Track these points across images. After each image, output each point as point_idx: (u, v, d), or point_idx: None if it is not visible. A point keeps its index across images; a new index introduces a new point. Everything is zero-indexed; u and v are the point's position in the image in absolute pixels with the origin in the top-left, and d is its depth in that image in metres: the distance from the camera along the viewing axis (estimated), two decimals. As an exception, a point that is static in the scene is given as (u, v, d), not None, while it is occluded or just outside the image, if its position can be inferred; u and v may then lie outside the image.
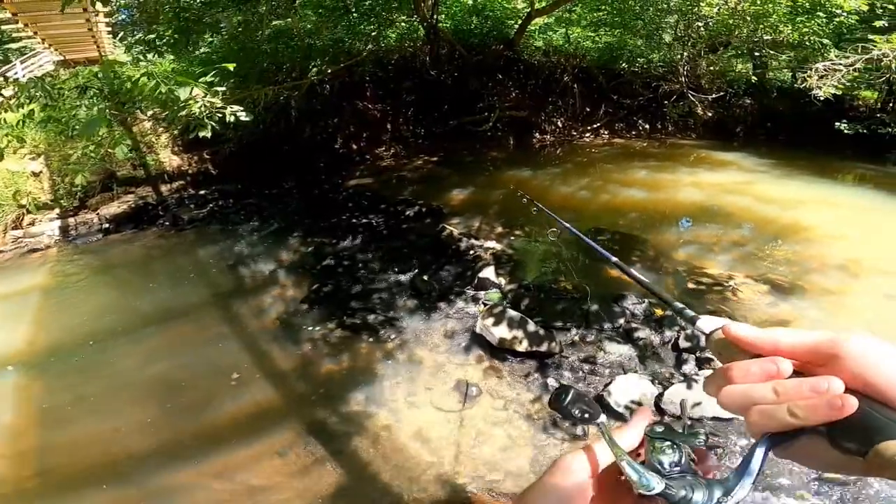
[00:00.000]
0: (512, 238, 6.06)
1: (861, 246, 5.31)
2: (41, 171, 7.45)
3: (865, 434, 0.34)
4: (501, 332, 4.02)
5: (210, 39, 8.38)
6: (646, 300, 4.46)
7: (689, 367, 3.69)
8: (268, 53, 8.07)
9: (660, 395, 3.42)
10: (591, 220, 6.36)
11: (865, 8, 6.69)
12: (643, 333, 4.04)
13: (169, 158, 8.31)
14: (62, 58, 8.43)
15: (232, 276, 5.70)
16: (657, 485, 0.42)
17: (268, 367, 4.14)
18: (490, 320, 4.13)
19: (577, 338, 4.07)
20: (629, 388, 3.46)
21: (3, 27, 7.04)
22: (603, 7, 9.98)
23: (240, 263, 5.94)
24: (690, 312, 0.52)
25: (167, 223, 7.24)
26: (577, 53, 10.49)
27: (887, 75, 6.41)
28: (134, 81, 4.69)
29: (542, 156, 9.64)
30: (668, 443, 0.47)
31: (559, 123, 10.66)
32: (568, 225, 1.11)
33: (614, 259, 0.70)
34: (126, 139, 6.29)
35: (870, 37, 6.33)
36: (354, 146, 9.57)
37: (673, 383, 3.52)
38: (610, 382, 3.55)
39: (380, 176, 8.67)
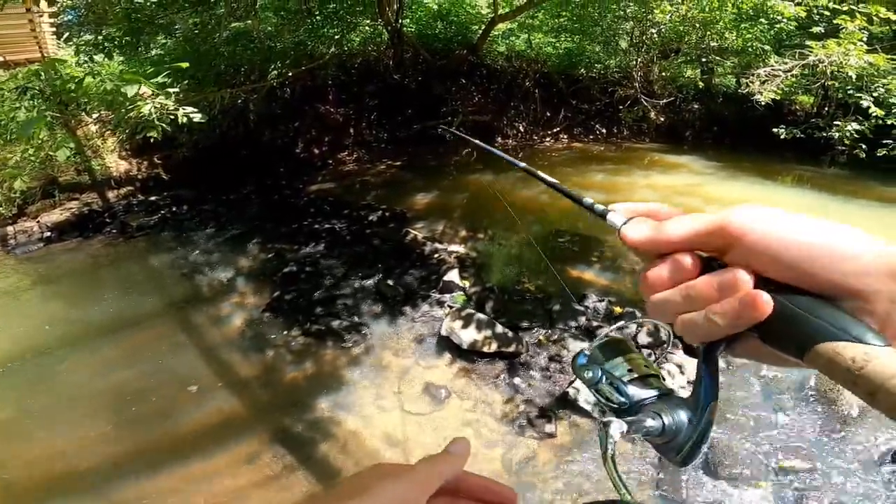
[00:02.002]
0: (475, 241, 6.16)
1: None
2: (-27, 178, 6.97)
3: (797, 339, 0.32)
4: (468, 334, 4.10)
5: (163, 41, 8.10)
6: (605, 299, 4.65)
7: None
8: (225, 56, 7.87)
9: None
10: (552, 222, 6.56)
11: (804, 14, 7.22)
12: (604, 331, 4.20)
13: (116, 163, 7.94)
14: (1, 58, 7.94)
15: (187, 285, 5.51)
16: (620, 428, 0.42)
17: (229, 376, 4.05)
18: (456, 323, 4.20)
19: (542, 337, 4.20)
20: None
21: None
22: (564, 14, 10.34)
23: (195, 271, 5.76)
24: (600, 207, 0.49)
25: (115, 231, 6.90)
26: (539, 59, 10.79)
27: (822, 80, 6.91)
28: (78, 81, 4.51)
29: (504, 160, 9.82)
30: (602, 381, 0.46)
31: (521, 128, 10.91)
32: (479, 143, 1.14)
33: (522, 165, 0.70)
34: (69, 142, 5.98)
35: (807, 43, 6.79)
36: (316, 151, 9.44)
37: (632, 378, 3.72)
38: (574, 380, 3.67)
39: (342, 181, 8.60)
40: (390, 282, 5.01)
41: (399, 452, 3.29)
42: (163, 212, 7.33)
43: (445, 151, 9.66)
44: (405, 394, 3.76)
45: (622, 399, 0.45)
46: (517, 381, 3.80)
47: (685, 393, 0.44)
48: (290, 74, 8.16)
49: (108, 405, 3.75)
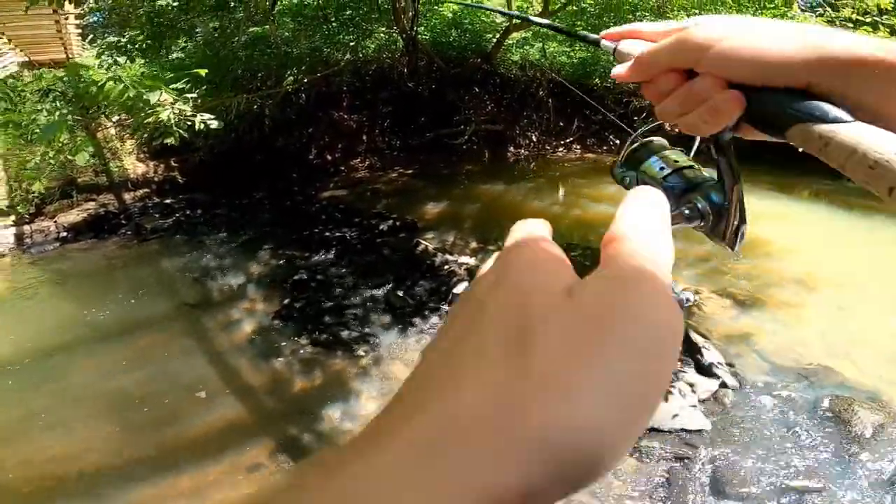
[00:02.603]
0: (486, 253, 6.15)
1: (816, 260, 5.63)
2: (-3, 177, 7.12)
3: (775, 125, 0.37)
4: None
5: (183, 45, 8.25)
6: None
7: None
8: (243, 60, 7.99)
9: None
10: (564, 235, 6.52)
11: (825, 23, 7.16)
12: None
13: (133, 165, 8.08)
14: (27, 59, 8.09)
15: (198, 289, 5.57)
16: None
17: (237, 382, 4.06)
18: None
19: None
20: None
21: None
22: (579, 23, 10.35)
23: (207, 276, 5.82)
24: (593, 35, 0.52)
25: (129, 232, 7.01)
26: (553, 68, 10.80)
27: None
28: (100, 86, 4.59)
29: (516, 170, 9.83)
30: (639, 183, 0.50)
31: (533, 138, 10.89)
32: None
33: (514, 13, 0.75)
34: (88, 145, 6.10)
35: None
36: (329, 157, 9.52)
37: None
38: None
39: (354, 188, 8.66)
40: (400, 292, 5.02)
41: None
42: (177, 215, 7.43)
43: (458, 160, 9.69)
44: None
45: None
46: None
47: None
48: (305, 80, 8.25)
49: (115, 408, 3.78)
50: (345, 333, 4.50)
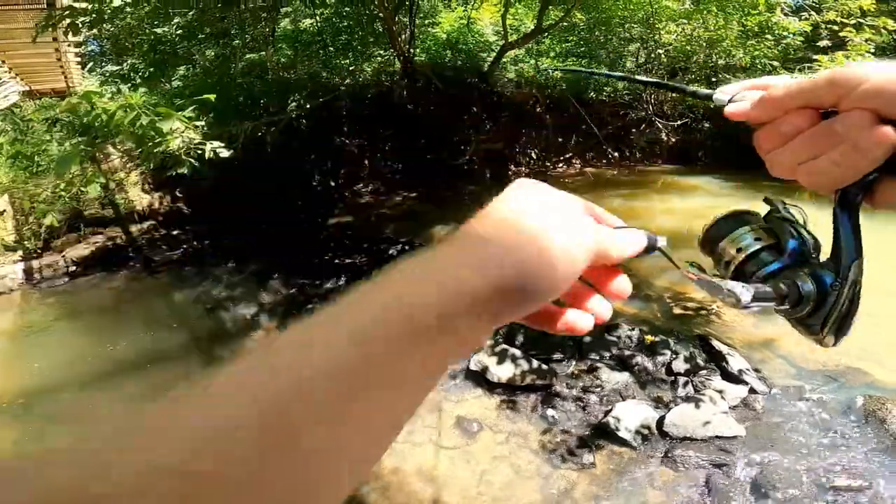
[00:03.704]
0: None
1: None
2: (4, 210, 7.14)
3: None
4: (496, 367, 4.12)
5: (183, 73, 8.38)
6: (636, 328, 4.62)
7: (685, 390, 3.88)
8: (243, 88, 8.12)
9: (661, 419, 3.57)
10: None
11: (809, 29, 7.33)
12: (637, 360, 4.21)
13: (139, 197, 8.14)
14: (27, 88, 8.12)
15: (211, 321, 5.59)
16: (744, 295, 0.38)
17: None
18: (484, 356, 4.24)
19: (573, 369, 4.21)
20: (629, 415, 3.61)
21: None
22: (571, 38, 10.60)
23: (219, 307, 5.83)
24: (704, 91, 0.47)
25: (138, 265, 7.04)
26: (548, 84, 11.01)
27: None
28: (110, 115, 4.61)
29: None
30: (751, 239, 0.42)
31: (533, 155, 11.04)
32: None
33: (618, 74, 0.64)
34: (99, 177, 6.14)
35: (814, 57, 6.91)
36: (332, 183, 9.61)
37: (671, 407, 3.69)
38: (610, 410, 3.69)
39: (360, 214, 8.74)
40: (415, 316, 5.02)
41: (433, 488, 3.28)
42: (185, 246, 7.47)
43: (460, 181, 9.78)
44: (436, 428, 3.78)
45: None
46: (551, 412, 3.79)
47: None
48: (308, 106, 8.38)
49: None
50: (364, 360, 4.48)
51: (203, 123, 4.91)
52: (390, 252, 6.84)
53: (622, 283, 0.39)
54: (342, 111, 9.61)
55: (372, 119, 9.70)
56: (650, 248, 0.43)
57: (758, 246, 0.42)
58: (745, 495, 3.04)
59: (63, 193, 5.83)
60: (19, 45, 6.21)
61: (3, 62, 7.10)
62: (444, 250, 0.31)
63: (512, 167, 10.69)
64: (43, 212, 5.48)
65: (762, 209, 0.44)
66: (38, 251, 7.05)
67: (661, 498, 3.08)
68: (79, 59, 8.66)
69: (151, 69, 7.05)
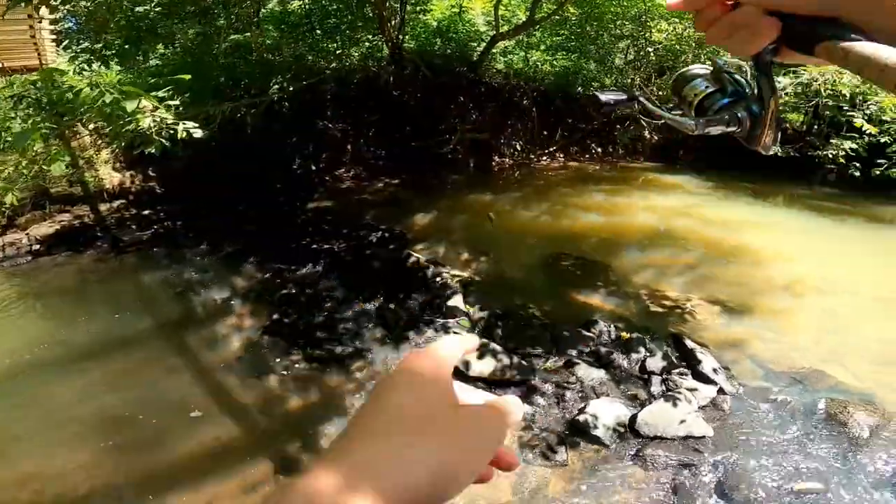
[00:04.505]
0: (478, 264, 6.13)
1: (799, 267, 5.82)
2: (-37, 188, 6.74)
3: (805, 44, 0.45)
4: (474, 361, 4.05)
5: (162, 51, 8.02)
6: (613, 325, 4.63)
7: (658, 388, 3.88)
8: (225, 68, 7.81)
9: (633, 417, 3.57)
10: (554, 245, 6.55)
11: None
12: (613, 357, 4.20)
13: (110, 175, 7.79)
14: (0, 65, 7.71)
15: (181, 305, 5.37)
16: (695, 126, 0.57)
17: (227, 402, 3.92)
18: None
19: (548, 364, 4.17)
20: (604, 412, 3.59)
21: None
22: (562, 31, 10.49)
23: (189, 290, 5.61)
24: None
25: (106, 245, 6.72)
26: (536, 77, 10.90)
27: (816, 99, 7.01)
28: (76, 92, 4.39)
29: (501, 179, 9.88)
30: (703, 86, 0.59)
31: (517, 146, 10.97)
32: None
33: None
34: (64, 155, 5.82)
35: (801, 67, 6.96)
36: (314, 167, 9.38)
37: (645, 405, 3.68)
38: (584, 407, 3.66)
39: (341, 198, 8.54)
40: (392, 306, 4.95)
41: None
42: (156, 226, 7.17)
43: (443, 169, 9.67)
44: None
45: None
46: (527, 408, 3.75)
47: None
48: (290, 89, 8.12)
49: (96, 430, 3.60)
50: (338, 349, 4.40)
51: (177, 103, 4.69)
52: (370, 238, 6.70)
53: (511, 459, 0.41)
54: (327, 95, 9.36)
55: (357, 104, 9.48)
56: (630, 98, 0.67)
57: (710, 90, 0.58)
58: (709, 497, 3.06)
59: (24, 171, 5.50)
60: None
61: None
62: (353, 474, 0.29)
63: (496, 158, 10.61)
64: (4, 189, 5.17)
65: (714, 66, 0.60)
66: (1, 228, 6.70)
67: (631, 498, 3.07)
68: (54, 37, 8.23)
69: (126, 46, 6.68)
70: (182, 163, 7.56)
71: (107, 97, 4.17)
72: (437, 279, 5.45)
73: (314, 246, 6.48)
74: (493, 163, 10.53)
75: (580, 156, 11.32)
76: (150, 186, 7.98)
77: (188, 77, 4.57)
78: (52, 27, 7.48)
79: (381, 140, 9.81)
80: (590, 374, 4.01)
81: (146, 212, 7.54)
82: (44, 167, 5.54)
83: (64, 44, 8.06)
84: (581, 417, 3.55)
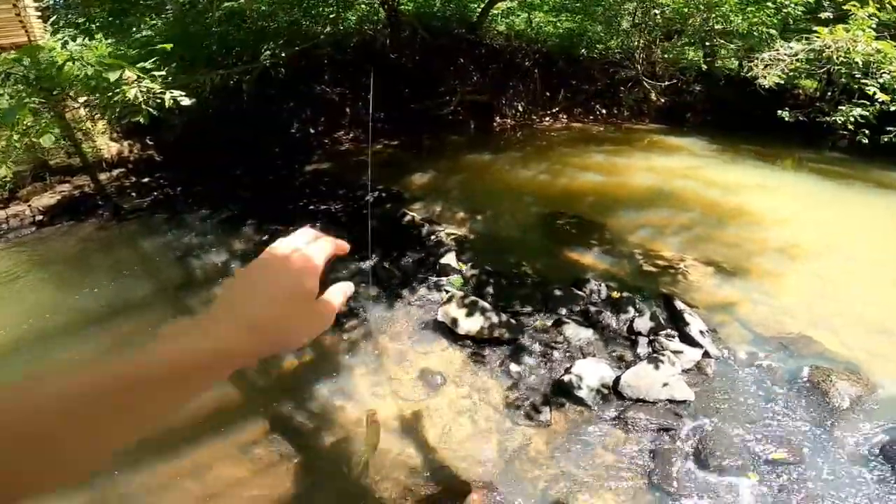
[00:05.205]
0: (474, 222, 6.03)
1: (797, 230, 5.62)
2: (-39, 163, 6.73)
3: None
4: (463, 319, 4.01)
5: (153, 22, 7.77)
6: (604, 283, 4.56)
7: (643, 350, 3.82)
8: (218, 37, 7.57)
9: (617, 379, 3.51)
10: (551, 203, 6.43)
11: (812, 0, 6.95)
12: (602, 317, 4.13)
13: (108, 145, 7.71)
14: None
15: (181, 269, 5.37)
16: None
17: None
18: (452, 308, 4.11)
19: (538, 323, 4.12)
20: (589, 373, 3.53)
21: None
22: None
23: (189, 255, 5.61)
24: None
25: (107, 213, 6.72)
26: (539, 38, 10.49)
27: (828, 66, 6.70)
28: (59, 67, 4.32)
29: (502, 139, 9.64)
30: None
31: (519, 107, 10.68)
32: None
33: None
34: (55, 127, 5.73)
35: (814, 28, 6.59)
36: (312, 130, 9.23)
37: (630, 367, 3.61)
38: (570, 367, 3.61)
39: (339, 160, 8.40)
40: (387, 264, 4.90)
41: (396, 441, 3.22)
42: (155, 193, 7.14)
43: (443, 131, 9.45)
44: (401, 380, 3.68)
45: None
46: (514, 367, 3.73)
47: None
48: (283, 55, 7.87)
49: None
50: (332, 309, 4.39)
51: (164, 73, 4.58)
52: (366, 199, 6.64)
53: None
54: (323, 59, 9.08)
55: (354, 68, 9.21)
56: None
57: None
58: (685, 461, 3.01)
59: (16, 145, 5.45)
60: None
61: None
62: (215, 326, 0.43)
63: (497, 119, 10.35)
64: (-1, 163, 5.16)
65: None
66: (4, 201, 6.71)
67: (610, 459, 3.04)
68: (39, 13, 7.98)
69: (111, 19, 6.46)
70: (179, 131, 7.46)
71: (88, 70, 4.09)
72: (432, 237, 5.38)
73: (311, 207, 6.41)
74: (495, 124, 10.30)
75: (584, 117, 11.02)
76: (148, 155, 7.90)
77: (169, 47, 4.45)
78: (36, 4, 7.23)
79: (380, 103, 9.59)
80: (578, 333, 3.97)
81: (145, 179, 7.49)
82: (34, 139, 5.50)
83: (52, 19, 7.84)
84: (566, 378, 3.50)
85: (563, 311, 4.20)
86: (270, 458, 3.13)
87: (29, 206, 6.71)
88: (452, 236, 5.44)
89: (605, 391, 3.47)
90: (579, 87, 10.95)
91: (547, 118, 10.84)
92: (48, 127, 5.32)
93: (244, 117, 7.90)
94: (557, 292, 4.40)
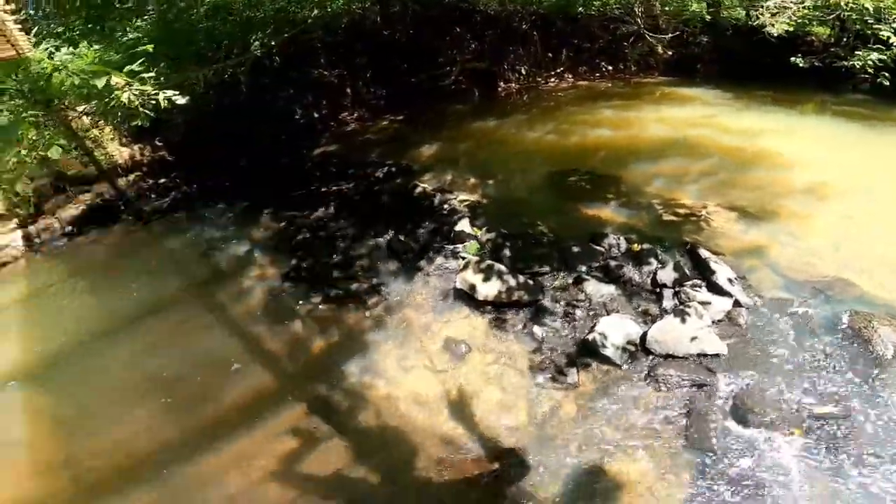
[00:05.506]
0: (485, 188, 5.91)
1: (823, 171, 5.32)
2: (-19, 185, 6.87)
3: None
4: (481, 284, 3.97)
5: (137, 24, 7.69)
6: (623, 237, 4.43)
7: (669, 303, 3.70)
8: (204, 32, 7.46)
9: (644, 335, 3.41)
10: (562, 162, 6.25)
11: None
12: (623, 271, 4.02)
13: (119, 151, 7.78)
14: None
15: (207, 264, 5.44)
16: None
17: (259, 351, 4.02)
18: (469, 274, 4.06)
19: (557, 282, 4.05)
20: (614, 330, 3.44)
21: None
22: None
23: (213, 249, 5.68)
24: None
25: (131, 217, 6.82)
26: (533, 0, 10.12)
27: (838, 12, 6.31)
28: (46, 78, 4.29)
29: (508, 104, 9.39)
30: None
31: (522, 71, 10.40)
32: None
33: None
34: (60, 138, 5.75)
35: None
36: (315, 114, 9.16)
37: (656, 321, 3.51)
38: (594, 325, 3.53)
39: (346, 141, 8.33)
40: (402, 237, 4.85)
41: (426, 412, 3.23)
42: (173, 193, 7.22)
43: (446, 101, 9.26)
44: (427, 351, 3.68)
45: None
46: (537, 329, 3.68)
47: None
48: (273, 44, 7.76)
49: (151, 392, 3.76)
50: (354, 286, 4.38)
51: (152, 75, 4.55)
52: (377, 174, 6.52)
53: None
54: (316, 44, 8.91)
55: (346, 49, 9.05)
56: None
57: None
58: (723, 419, 2.86)
59: (27, 159, 5.50)
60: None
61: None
62: None
63: (501, 84, 10.11)
64: (11, 180, 5.22)
65: None
66: (33, 217, 6.86)
67: (643, 419, 2.95)
68: (20, 26, 7.91)
69: (90, 26, 6.41)
70: (182, 130, 7.48)
71: (75, 79, 4.07)
72: (445, 206, 5.30)
73: (323, 189, 6.38)
74: (500, 89, 10.07)
75: (590, 75, 10.65)
76: (160, 156, 7.94)
77: (151, 48, 4.40)
78: (13, 17, 7.16)
79: (379, 80, 9.43)
80: (599, 289, 3.88)
81: (162, 180, 7.56)
82: (41, 153, 5.54)
83: (34, 31, 7.84)
84: (591, 336, 3.43)
85: (583, 268, 4.11)
86: (312, 438, 3.20)
87: (57, 218, 6.86)
88: (465, 203, 5.36)
89: (632, 348, 3.36)
90: (581, 46, 10.60)
91: (552, 79, 10.54)
92: (53, 139, 5.34)
93: (244, 109, 7.88)
94: (575, 249, 4.30)
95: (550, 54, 10.50)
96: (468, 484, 2.78)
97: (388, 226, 5.09)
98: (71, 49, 6.50)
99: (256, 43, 7.69)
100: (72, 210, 7.02)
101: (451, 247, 4.62)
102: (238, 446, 3.21)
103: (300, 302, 4.41)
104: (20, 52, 7.75)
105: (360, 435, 3.17)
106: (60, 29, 6.34)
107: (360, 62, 9.28)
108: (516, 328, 3.76)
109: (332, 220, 5.59)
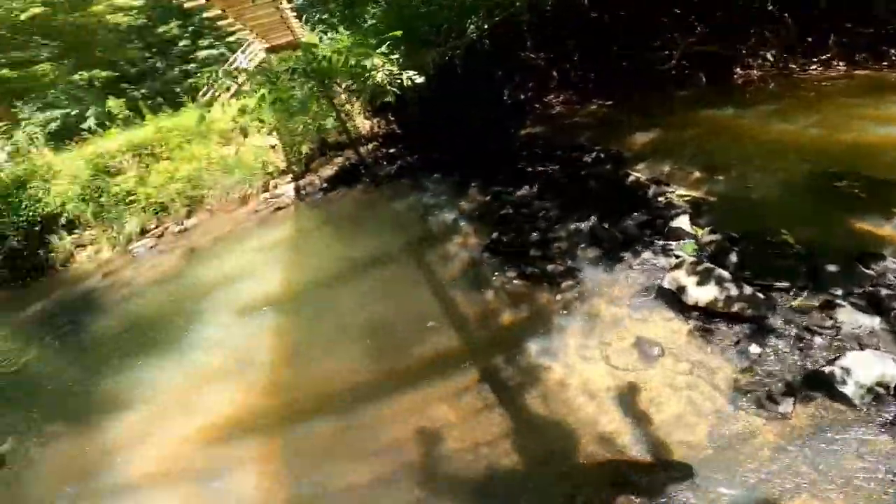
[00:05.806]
0: (713, 183, 5.17)
1: None
2: (276, 145, 9.05)
3: None
4: (694, 287, 3.55)
5: (373, 11, 8.76)
6: (906, 262, 3.40)
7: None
8: (425, 17, 8.14)
9: None
10: (826, 161, 5.01)
11: None
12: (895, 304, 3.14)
13: (363, 124, 9.35)
14: (268, 45, 9.44)
15: (422, 226, 6.17)
16: None
17: (452, 313, 4.30)
18: (681, 274, 3.67)
19: (798, 301, 3.37)
20: (863, 366, 2.73)
21: (219, 22, 7.46)
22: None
23: (428, 214, 6.41)
24: None
25: (368, 180, 8.25)
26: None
27: None
28: (328, 59, 5.25)
29: (747, 92, 7.95)
30: None
31: (769, 56, 8.73)
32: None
33: None
34: (332, 111, 7.16)
35: None
36: (522, 96, 9.36)
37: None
38: (837, 357, 2.85)
39: (551, 123, 8.33)
40: (607, 225, 4.66)
41: (594, 406, 3.08)
42: (399, 162, 8.43)
43: (665, 87, 8.36)
44: (613, 346, 3.48)
45: None
46: (753, 348, 3.14)
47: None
48: (485, 27, 8.09)
49: (363, 336, 4.32)
50: (550, 267, 4.41)
51: (397, 56, 5.23)
52: (584, 159, 6.38)
53: None
54: (522, 27, 9.00)
55: (554, 30, 8.89)
56: None
57: None
58: None
59: (310, 127, 7.04)
60: (249, 8, 6.84)
61: (244, 25, 8.19)
62: None
63: (738, 70, 8.65)
64: (299, 143, 6.70)
65: None
66: (301, 173, 8.85)
67: (862, 466, 2.36)
68: (294, 14, 9.53)
69: (346, 12, 7.56)
70: (413, 107, 8.47)
71: (352, 59, 4.93)
72: (660, 199, 4.88)
73: (529, 169, 6.54)
74: (735, 75, 8.64)
75: (872, 63, 8.27)
76: (391, 129, 9.28)
77: (400, 33, 4.96)
78: (290, 5, 8.46)
79: (587, 63, 9.06)
80: (856, 319, 3.10)
81: (392, 151, 8.89)
82: (320, 123, 7.02)
83: (304, 18, 9.46)
84: (828, 369, 2.79)
85: (839, 292, 3.32)
86: (476, 405, 3.30)
87: (317, 176, 8.70)
88: (685, 198, 4.83)
89: (882, 391, 2.65)
90: (855, 30, 8.30)
91: (813, 66, 8.57)
92: (328, 111, 6.77)
93: (459, 91, 8.44)
94: (832, 268, 3.49)
95: (810, 38, 8.52)
96: (612, 484, 2.61)
97: (593, 212, 4.93)
98: (331, 34, 7.93)
99: (472, 27, 8.11)
100: (328, 170, 8.78)
101: (663, 243, 4.25)
102: (412, 397, 3.49)
103: (496, 273, 4.62)
104: (296, 37, 9.69)
105: (520, 413, 3.18)
106: (324, 16, 7.70)
107: (568, 44, 9.06)
108: (725, 342, 3.27)
109: (535, 200, 5.72)
